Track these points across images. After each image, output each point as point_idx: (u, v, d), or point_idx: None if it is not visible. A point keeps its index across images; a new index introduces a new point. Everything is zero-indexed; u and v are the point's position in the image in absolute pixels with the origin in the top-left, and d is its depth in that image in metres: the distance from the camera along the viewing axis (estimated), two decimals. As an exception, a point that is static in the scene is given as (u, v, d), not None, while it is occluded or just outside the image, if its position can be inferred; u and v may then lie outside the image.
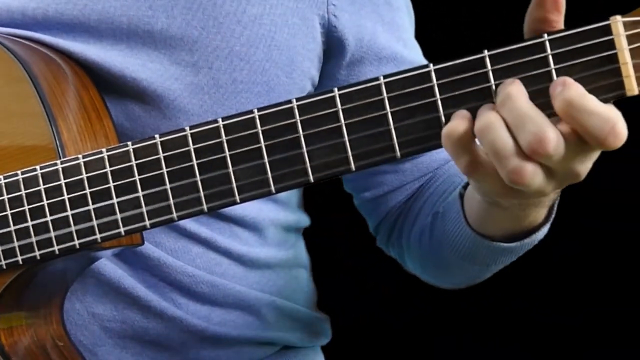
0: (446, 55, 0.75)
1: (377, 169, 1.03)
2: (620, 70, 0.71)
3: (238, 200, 0.80)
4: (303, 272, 1.11)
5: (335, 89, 0.77)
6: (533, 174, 0.71)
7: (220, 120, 0.79)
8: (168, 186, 0.81)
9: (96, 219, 0.83)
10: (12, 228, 0.86)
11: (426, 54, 1.05)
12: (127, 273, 0.97)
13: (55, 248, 0.85)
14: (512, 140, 0.71)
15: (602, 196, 1.82)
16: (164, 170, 0.81)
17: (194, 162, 0.80)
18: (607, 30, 0.71)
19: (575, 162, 0.73)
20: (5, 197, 0.86)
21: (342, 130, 0.77)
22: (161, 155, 0.81)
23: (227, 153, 0.79)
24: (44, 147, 0.87)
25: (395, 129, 0.76)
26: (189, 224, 0.98)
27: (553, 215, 0.87)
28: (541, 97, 0.72)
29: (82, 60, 0.94)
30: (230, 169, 0.79)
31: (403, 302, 1.15)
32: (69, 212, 0.84)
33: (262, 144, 0.79)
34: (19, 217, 0.86)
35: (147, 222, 0.82)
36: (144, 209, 0.82)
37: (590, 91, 0.71)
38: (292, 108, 0.78)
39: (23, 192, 0.86)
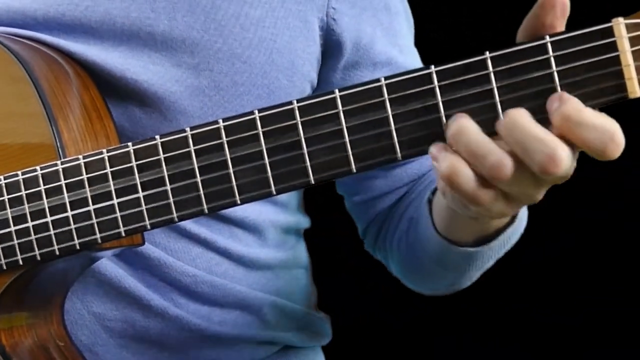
0: (447, 56, 0.75)
1: (368, 174, 1.04)
2: (622, 72, 0.70)
3: (238, 201, 0.80)
4: (303, 272, 1.11)
5: (336, 91, 0.77)
6: (492, 199, 0.73)
7: (220, 121, 0.79)
8: (168, 187, 0.81)
9: (96, 219, 0.83)
10: (13, 228, 0.86)
11: (427, 55, 1.05)
12: (127, 273, 0.97)
13: (56, 248, 0.85)
14: (472, 172, 0.72)
15: (604, 196, 1.82)
16: (165, 171, 0.81)
17: (195, 163, 0.80)
18: (610, 32, 0.71)
19: (529, 188, 0.73)
20: (6, 197, 0.86)
21: (343, 131, 0.77)
22: (162, 156, 0.81)
23: (228, 154, 0.79)
24: (44, 148, 0.87)
25: (396, 130, 0.75)
26: (189, 224, 0.98)
27: (519, 218, 0.88)
28: (542, 99, 0.72)
29: (83, 60, 0.93)
30: (231, 170, 0.79)
31: (403, 302, 1.15)
32: (69, 213, 0.84)
33: (263, 145, 0.78)
34: (19, 218, 0.86)
35: (148, 223, 0.82)
36: (144, 210, 0.82)
37: (592, 93, 0.71)
38: (292, 109, 0.78)
39: (23, 193, 0.86)
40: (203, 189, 0.80)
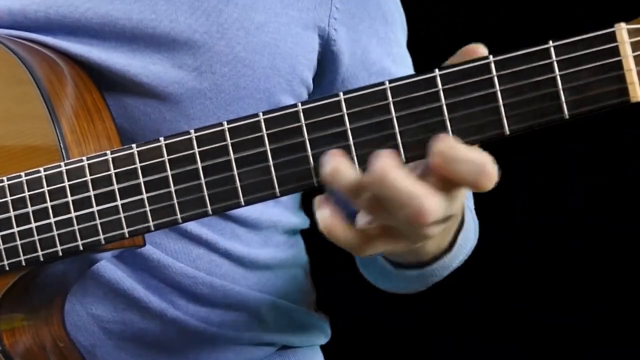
0: (447, 58, 0.75)
1: None
2: (624, 77, 0.71)
3: (243, 203, 0.80)
4: (301, 272, 1.11)
5: (341, 93, 0.77)
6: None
7: (225, 123, 0.80)
8: (172, 188, 0.81)
9: (100, 220, 0.83)
10: (16, 229, 0.86)
11: (429, 58, 1.05)
12: (126, 274, 0.97)
13: (59, 249, 0.85)
14: (408, 179, 0.72)
15: (604, 196, 1.82)
16: (169, 172, 0.81)
17: (199, 164, 0.80)
18: (612, 37, 0.71)
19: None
20: (9, 198, 0.86)
21: (347, 134, 0.77)
22: (166, 157, 0.81)
23: (232, 156, 0.80)
24: (47, 149, 0.87)
25: (400, 133, 0.76)
26: (190, 225, 0.98)
27: (458, 245, 0.88)
28: (545, 103, 0.73)
29: (85, 61, 0.94)
30: (235, 172, 0.80)
31: (403, 302, 1.15)
32: (73, 214, 0.84)
33: (267, 147, 0.79)
34: (22, 219, 0.86)
35: (151, 224, 0.83)
36: (148, 211, 0.82)
37: (594, 97, 0.72)
38: (297, 112, 0.78)
39: (27, 194, 0.86)
40: (207, 191, 0.81)
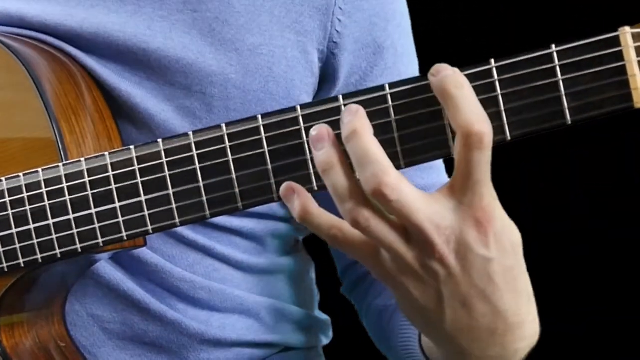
0: (452, 65, 0.74)
1: None
2: (628, 82, 0.70)
3: (241, 207, 0.79)
4: (305, 274, 1.10)
5: (340, 97, 0.76)
6: (368, 218, 0.70)
7: (224, 126, 0.79)
8: (171, 191, 0.81)
9: (98, 222, 0.83)
10: (14, 231, 0.86)
11: (432, 63, 1.04)
12: (126, 276, 0.97)
13: (57, 251, 0.85)
14: (348, 181, 0.71)
15: (608, 202, 1.82)
16: (167, 175, 0.81)
17: (197, 168, 0.80)
18: (616, 41, 0.70)
19: (424, 219, 0.70)
20: (7, 199, 0.86)
21: None
22: (164, 160, 0.81)
23: (231, 160, 0.79)
24: (46, 150, 0.87)
25: (399, 137, 0.75)
26: (186, 231, 0.97)
27: None
28: (547, 108, 0.72)
29: (82, 65, 0.93)
30: (234, 176, 0.79)
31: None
32: (71, 216, 0.84)
33: (266, 151, 0.78)
34: (20, 220, 0.85)
35: (150, 227, 0.82)
36: (147, 214, 0.82)
37: (597, 103, 0.71)
38: (296, 117, 0.77)
39: (25, 195, 0.85)
40: (206, 194, 0.80)
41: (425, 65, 1.07)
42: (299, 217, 0.73)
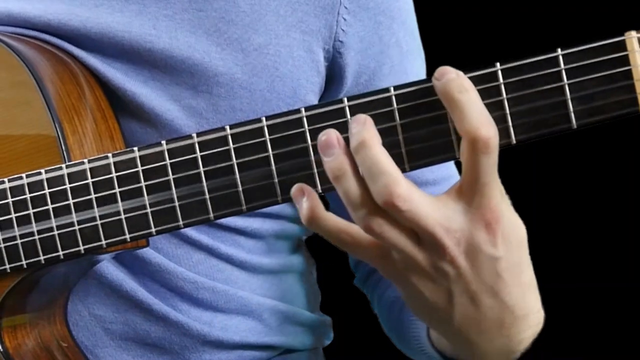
0: (457, 68, 0.74)
1: None
2: (634, 86, 0.70)
3: (245, 209, 0.79)
4: (306, 276, 1.10)
5: (345, 100, 0.76)
6: (381, 224, 0.71)
7: (227, 128, 0.79)
8: (174, 193, 0.81)
9: (101, 224, 0.83)
10: (17, 232, 0.85)
11: (437, 66, 1.04)
12: (128, 276, 0.97)
13: (60, 253, 0.84)
14: (360, 188, 0.71)
15: (609, 204, 1.82)
16: (171, 177, 0.81)
17: (201, 169, 0.80)
18: (622, 46, 0.70)
19: (434, 224, 0.71)
20: (10, 200, 0.86)
21: None
22: (167, 161, 0.81)
23: (235, 161, 0.79)
24: (49, 150, 0.87)
25: (404, 139, 0.75)
26: (190, 231, 0.97)
27: None
28: (553, 112, 0.72)
29: (85, 66, 0.93)
30: (238, 177, 0.79)
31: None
32: (74, 217, 0.83)
33: (270, 152, 0.78)
34: (23, 221, 0.85)
35: (153, 230, 0.82)
36: (150, 216, 0.82)
37: (603, 107, 0.71)
38: (300, 118, 0.77)
39: (28, 196, 0.85)
40: (209, 196, 0.80)
41: (430, 67, 1.07)
42: (306, 220, 0.73)
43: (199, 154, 0.80)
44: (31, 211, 0.85)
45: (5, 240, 0.86)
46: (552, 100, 0.72)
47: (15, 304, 0.89)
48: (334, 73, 0.98)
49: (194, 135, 0.80)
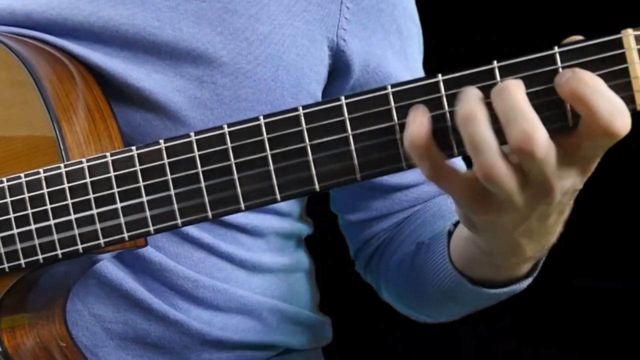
0: (454, 65, 0.74)
1: (367, 194, 1.04)
2: (631, 84, 0.70)
3: (243, 208, 0.79)
4: (305, 275, 1.11)
5: (342, 98, 0.76)
6: (506, 173, 0.71)
7: (225, 126, 0.79)
8: (172, 192, 0.81)
9: (100, 223, 0.83)
10: (15, 231, 0.86)
11: (434, 63, 1.04)
12: (128, 276, 0.97)
13: (59, 252, 0.85)
14: (492, 135, 0.71)
15: (608, 203, 1.81)
16: (169, 176, 0.81)
17: (199, 168, 0.80)
18: (619, 43, 0.70)
19: (554, 174, 0.72)
20: (8, 199, 0.86)
21: (348, 139, 0.76)
22: (166, 160, 0.81)
23: (232, 160, 0.79)
24: (47, 150, 0.87)
25: (402, 139, 0.75)
26: (191, 229, 0.97)
27: (536, 272, 0.87)
28: (550, 110, 0.71)
29: (86, 63, 0.93)
30: (235, 176, 0.79)
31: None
32: (72, 216, 0.84)
33: (268, 151, 0.78)
34: (22, 220, 0.85)
35: (151, 228, 0.82)
36: (148, 215, 0.82)
37: None
38: (298, 116, 0.77)
39: (26, 195, 0.85)
40: (207, 195, 0.80)
41: (429, 66, 1.08)
42: (409, 144, 0.73)
43: (196, 153, 0.80)
44: (30, 211, 0.85)
45: (3, 239, 0.86)
46: (550, 98, 0.72)
47: (14, 303, 0.89)
48: (339, 62, 0.99)
49: (192, 134, 0.80)
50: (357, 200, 1.04)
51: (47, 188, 0.84)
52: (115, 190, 0.82)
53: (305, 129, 0.77)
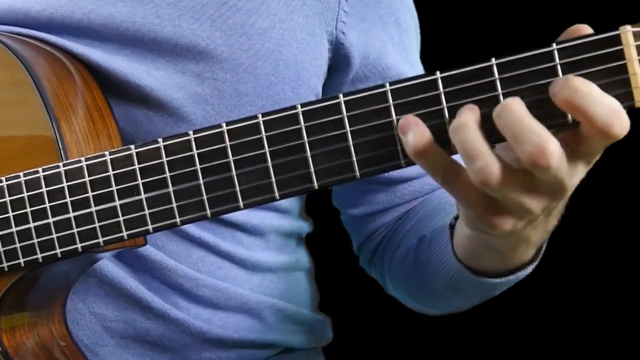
0: (453, 63, 0.74)
1: (368, 188, 1.04)
2: (629, 81, 0.70)
3: (242, 206, 0.79)
4: (305, 274, 1.11)
5: (341, 95, 0.76)
6: (502, 176, 0.71)
7: (224, 125, 0.79)
8: (171, 190, 0.81)
9: (99, 222, 0.83)
10: (14, 230, 0.86)
11: (432, 61, 1.04)
12: (128, 274, 0.97)
13: (58, 251, 0.85)
14: (483, 141, 0.71)
15: (607, 199, 1.82)
16: (167, 174, 0.81)
17: (198, 166, 0.80)
18: (617, 40, 0.70)
19: (566, 175, 0.72)
20: (7, 199, 0.86)
21: (347, 136, 0.76)
22: (164, 159, 0.81)
23: (231, 158, 0.79)
24: (46, 149, 0.87)
25: (397, 135, 0.75)
26: (191, 228, 0.97)
27: (541, 255, 0.87)
28: (548, 107, 0.71)
29: (86, 61, 0.93)
30: (234, 174, 0.79)
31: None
32: (72, 215, 0.84)
33: (267, 149, 0.78)
34: (21, 219, 0.85)
35: (150, 227, 0.82)
36: (147, 213, 0.82)
37: None
38: (296, 114, 0.77)
39: (25, 194, 0.85)
40: (206, 193, 0.80)
41: (426, 64, 1.08)
42: (413, 152, 0.73)
43: (195, 151, 0.80)
44: (29, 209, 0.85)
45: (2, 238, 0.86)
46: (547, 94, 0.71)
47: (13, 303, 0.89)
48: (339, 55, 0.99)
49: (190, 132, 0.80)
50: (359, 194, 1.04)
51: (46, 187, 0.84)
52: (114, 188, 0.82)
53: (303, 127, 0.77)
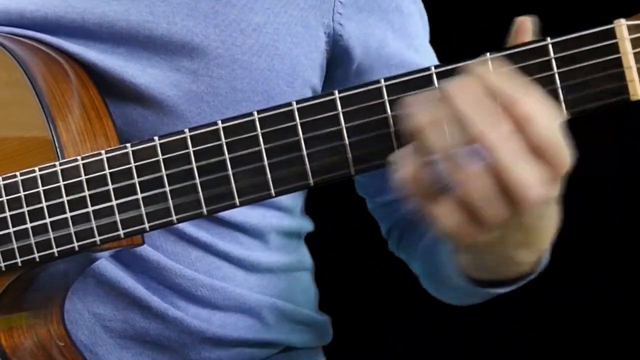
0: (448, 57, 0.74)
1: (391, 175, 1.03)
2: (624, 74, 0.70)
3: (238, 204, 0.79)
4: (305, 274, 1.10)
5: (336, 92, 0.76)
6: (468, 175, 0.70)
7: (219, 122, 0.79)
8: (167, 189, 0.81)
9: (95, 221, 0.83)
10: (11, 230, 0.86)
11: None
12: (127, 274, 0.97)
13: (55, 250, 0.85)
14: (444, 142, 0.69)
15: (605, 195, 1.81)
16: (163, 172, 0.81)
17: (194, 164, 0.80)
18: (611, 33, 0.70)
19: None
20: (4, 198, 0.86)
21: (342, 133, 0.76)
22: (160, 157, 0.81)
23: (227, 156, 0.79)
24: (43, 148, 0.87)
25: (396, 132, 0.75)
26: (188, 227, 0.97)
27: (539, 269, 0.85)
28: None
29: (82, 61, 0.93)
30: (230, 172, 0.79)
31: (405, 304, 1.15)
32: (68, 214, 0.84)
33: (262, 146, 0.78)
34: (17, 219, 0.85)
35: (147, 225, 0.82)
36: (143, 212, 0.82)
37: (593, 95, 0.71)
38: (292, 111, 0.77)
39: (22, 194, 0.85)
40: (202, 191, 0.80)
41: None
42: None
43: (191, 149, 0.80)
44: (25, 209, 0.85)
45: None
46: (543, 89, 0.71)
47: (11, 302, 0.89)
48: (338, 47, 0.98)
49: (186, 130, 0.80)
50: (383, 182, 1.03)
51: (42, 186, 0.84)
52: (111, 187, 0.82)
53: (299, 124, 0.77)
